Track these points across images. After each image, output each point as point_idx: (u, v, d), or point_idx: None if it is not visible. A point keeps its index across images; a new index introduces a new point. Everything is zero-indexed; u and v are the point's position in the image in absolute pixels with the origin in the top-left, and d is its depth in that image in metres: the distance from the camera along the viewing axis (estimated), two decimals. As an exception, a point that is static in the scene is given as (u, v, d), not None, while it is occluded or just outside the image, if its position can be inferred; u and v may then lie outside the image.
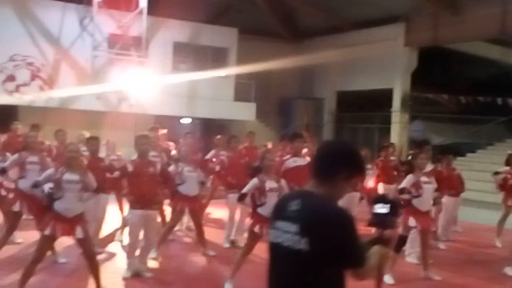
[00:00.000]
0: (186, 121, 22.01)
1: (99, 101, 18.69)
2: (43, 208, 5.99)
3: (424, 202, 7.70)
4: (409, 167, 8.00)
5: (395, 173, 12.26)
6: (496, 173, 10.82)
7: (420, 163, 7.80)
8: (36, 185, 5.94)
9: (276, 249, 2.72)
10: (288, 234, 2.63)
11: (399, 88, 21.16)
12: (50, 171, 5.97)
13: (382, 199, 3.04)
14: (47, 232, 5.79)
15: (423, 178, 7.74)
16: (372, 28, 21.09)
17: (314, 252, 2.54)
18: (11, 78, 18.06)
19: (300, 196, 2.72)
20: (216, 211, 11.62)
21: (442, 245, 10.25)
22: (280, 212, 2.75)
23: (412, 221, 7.61)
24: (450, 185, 10.44)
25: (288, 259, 2.63)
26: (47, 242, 6.02)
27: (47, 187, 5.86)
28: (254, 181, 6.80)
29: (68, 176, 5.81)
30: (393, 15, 20.56)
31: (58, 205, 5.77)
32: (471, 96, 20.55)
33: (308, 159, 8.41)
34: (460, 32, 19.04)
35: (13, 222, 7.37)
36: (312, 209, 2.62)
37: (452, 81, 22.70)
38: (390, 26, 20.81)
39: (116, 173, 7.07)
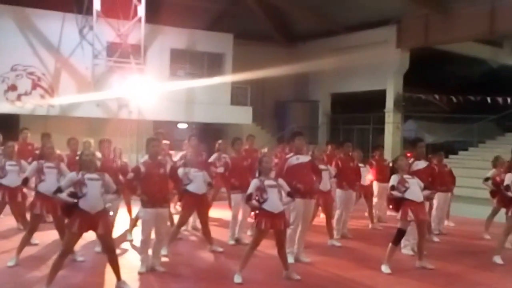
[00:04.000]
0: (183, 126, 22.40)
1: (99, 108, 19.12)
2: (64, 208, 6.38)
3: (415, 192, 8.04)
4: (391, 170, 8.47)
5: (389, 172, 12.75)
6: (486, 179, 11.02)
7: (400, 164, 8.29)
8: (59, 190, 6.26)
9: None
10: None
11: (392, 89, 21.62)
12: (71, 174, 6.35)
13: None
14: (74, 229, 6.20)
15: (406, 176, 8.19)
16: (364, 31, 21.58)
17: None
18: (12, 87, 18.47)
19: None
20: (219, 211, 12.08)
21: (435, 238, 10.74)
22: None
23: (410, 215, 7.98)
24: (442, 181, 10.91)
25: None
26: (74, 238, 6.42)
27: (69, 191, 6.27)
28: (255, 181, 7.28)
29: (88, 176, 6.25)
30: (385, 17, 21.00)
31: (82, 203, 6.17)
32: (462, 95, 20.99)
33: (309, 156, 8.80)
34: (450, 33, 19.51)
35: (34, 224, 7.75)
36: None
37: (443, 81, 23.12)
38: (382, 28, 21.29)
39: (130, 175, 7.48)
